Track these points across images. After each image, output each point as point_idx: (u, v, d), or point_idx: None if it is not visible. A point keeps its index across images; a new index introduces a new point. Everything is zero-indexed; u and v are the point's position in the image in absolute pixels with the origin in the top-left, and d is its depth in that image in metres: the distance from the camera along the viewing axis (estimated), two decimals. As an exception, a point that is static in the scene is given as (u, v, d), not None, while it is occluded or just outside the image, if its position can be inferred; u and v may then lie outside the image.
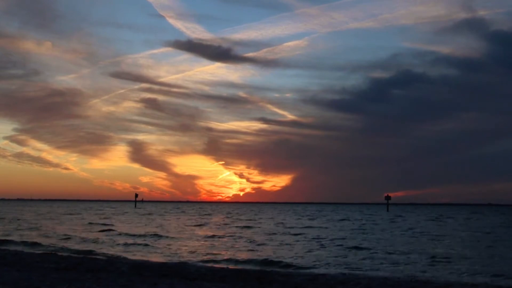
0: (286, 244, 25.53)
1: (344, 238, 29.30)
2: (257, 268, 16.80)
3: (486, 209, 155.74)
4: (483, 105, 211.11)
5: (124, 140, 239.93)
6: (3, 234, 30.17)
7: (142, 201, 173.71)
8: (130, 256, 19.82)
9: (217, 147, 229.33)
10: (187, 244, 25.14)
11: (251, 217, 63.16)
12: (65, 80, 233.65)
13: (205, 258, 19.64)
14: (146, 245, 24.66)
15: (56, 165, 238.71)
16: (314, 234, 32.28)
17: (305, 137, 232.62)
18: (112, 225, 41.76)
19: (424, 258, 19.49)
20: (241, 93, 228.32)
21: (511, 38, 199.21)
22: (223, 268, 16.17)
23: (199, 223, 46.63)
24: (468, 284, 13.67)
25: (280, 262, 18.38)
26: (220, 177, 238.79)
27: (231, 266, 17.12)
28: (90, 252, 21.16)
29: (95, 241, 26.56)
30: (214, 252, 21.70)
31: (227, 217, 63.37)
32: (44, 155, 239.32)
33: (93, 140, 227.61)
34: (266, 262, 18.46)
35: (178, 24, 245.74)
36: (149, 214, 73.78)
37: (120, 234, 31.73)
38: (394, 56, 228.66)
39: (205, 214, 76.07)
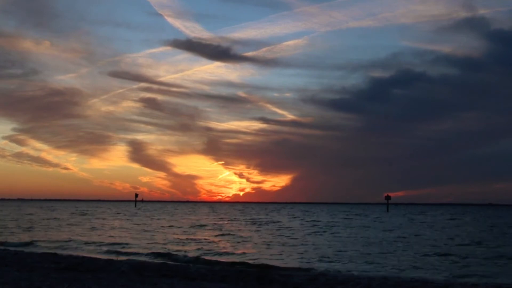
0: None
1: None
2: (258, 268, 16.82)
3: (483, 210, 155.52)
4: (483, 105, 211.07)
5: (123, 140, 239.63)
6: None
7: (142, 201, 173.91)
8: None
9: (217, 147, 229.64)
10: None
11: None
12: (64, 79, 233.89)
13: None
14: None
15: (56, 165, 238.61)
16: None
17: (305, 137, 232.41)
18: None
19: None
20: (241, 93, 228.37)
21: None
22: (223, 268, 16.17)
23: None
24: (468, 284, 13.71)
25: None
26: (220, 177, 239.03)
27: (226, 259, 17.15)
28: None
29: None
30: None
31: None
32: (43, 155, 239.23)
33: (93, 140, 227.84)
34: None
35: (177, 23, 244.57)
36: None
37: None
38: (394, 56, 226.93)
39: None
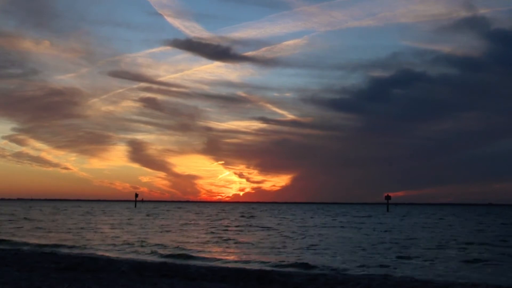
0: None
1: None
2: (257, 268, 16.82)
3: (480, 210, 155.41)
4: (483, 105, 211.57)
5: (123, 139, 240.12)
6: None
7: (142, 201, 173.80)
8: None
9: (217, 147, 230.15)
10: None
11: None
12: (64, 79, 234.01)
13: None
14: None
15: (56, 165, 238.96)
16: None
17: (305, 137, 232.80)
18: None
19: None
20: (240, 93, 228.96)
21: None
22: (223, 268, 16.17)
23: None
24: (468, 284, 13.71)
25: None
26: (220, 177, 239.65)
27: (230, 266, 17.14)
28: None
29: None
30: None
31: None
32: (43, 154, 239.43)
33: (93, 139, 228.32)
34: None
35: (176, 22, 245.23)
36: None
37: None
38: (394, 55, 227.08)
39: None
